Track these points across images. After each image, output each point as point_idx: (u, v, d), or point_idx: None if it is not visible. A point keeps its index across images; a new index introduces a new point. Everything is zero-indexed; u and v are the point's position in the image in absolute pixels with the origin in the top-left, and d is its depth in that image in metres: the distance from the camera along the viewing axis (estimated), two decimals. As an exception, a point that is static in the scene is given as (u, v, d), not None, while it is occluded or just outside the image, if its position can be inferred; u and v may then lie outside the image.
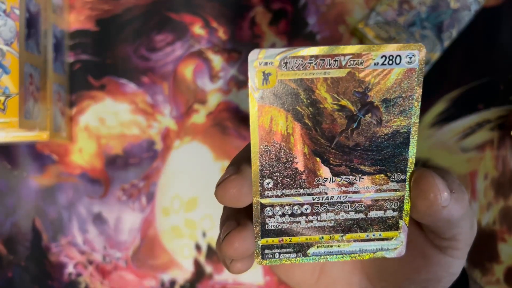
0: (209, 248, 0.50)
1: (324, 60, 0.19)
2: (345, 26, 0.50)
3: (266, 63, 0.18)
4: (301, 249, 0.22)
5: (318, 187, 0.21)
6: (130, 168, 0.50)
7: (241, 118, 0.50)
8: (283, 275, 0.26)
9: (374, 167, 0.20)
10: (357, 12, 0.50)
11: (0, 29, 0.39)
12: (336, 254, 0.22)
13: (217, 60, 0.50)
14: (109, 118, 0.50)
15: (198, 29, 0.50)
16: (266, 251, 0.22)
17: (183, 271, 0.50)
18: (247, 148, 0.21)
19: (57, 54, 0.47)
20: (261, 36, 0.50)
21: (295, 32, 0.50)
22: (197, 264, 0.50)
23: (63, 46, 0.49)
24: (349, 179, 0.21)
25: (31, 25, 0.42)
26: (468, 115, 0.50)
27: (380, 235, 0.22)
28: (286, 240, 0.21)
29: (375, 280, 0.25)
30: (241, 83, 0.50)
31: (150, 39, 0.50)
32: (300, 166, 0.20)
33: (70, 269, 0.50)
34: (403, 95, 0.19)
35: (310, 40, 0.50)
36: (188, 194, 0.50)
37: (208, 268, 0.50)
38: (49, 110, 0.45)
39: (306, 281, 0.25)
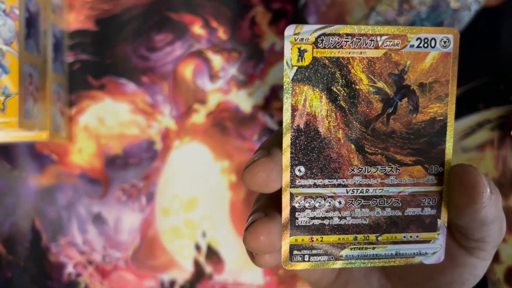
0: (209, 248, 0.50)
1: (360, 39, 0.18)
2: (345, 26, 0.50)
3: (302, 39, 0.18)
4: (333, 250, 0.19)
5: (352, 177, 0.19)
6: (129, 168, 0.50)
7: (241, 118, 0.50)
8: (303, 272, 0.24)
9: (410, 158, 0.19)
10: (357, 12, 0.50)
11: (-1, 28, 0.39)
12: (371, 258, 0.20)
13: (217, 60, 0.50)
14: (108, 118, 0.50)
15: (198, 28, 0.50)
16: (295, 252, 0.19)
17: (183, 271, 0.50)
18: (278, 133, 0.19)
19: (57, 54, 0.47)
20: (261, 36, 0.50)
21: (295, 32, 0.50)
22: (197, 264, 0.50)
23: (63, 46, 0.49)
24: (385, 170, 0.19)
25: (30, 25, 0.42)
26: (468, 115, 0.50)
27: (417, 236, 0.20)
28: (317, 239, 0.19)
29: (395, 279, 0.23)
30: (241, 83, 0.50)
31: (150, 38, 0.50)
32: (334, 153, 0.19)
33: (69, 269, 0.50)
34: (439, 80, 0.18)
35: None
36: (188, 194, 0.50)
37: (208, 268, 0.50)
38: (49, 110, 0.45)
39: (325, 278, 0.24)
